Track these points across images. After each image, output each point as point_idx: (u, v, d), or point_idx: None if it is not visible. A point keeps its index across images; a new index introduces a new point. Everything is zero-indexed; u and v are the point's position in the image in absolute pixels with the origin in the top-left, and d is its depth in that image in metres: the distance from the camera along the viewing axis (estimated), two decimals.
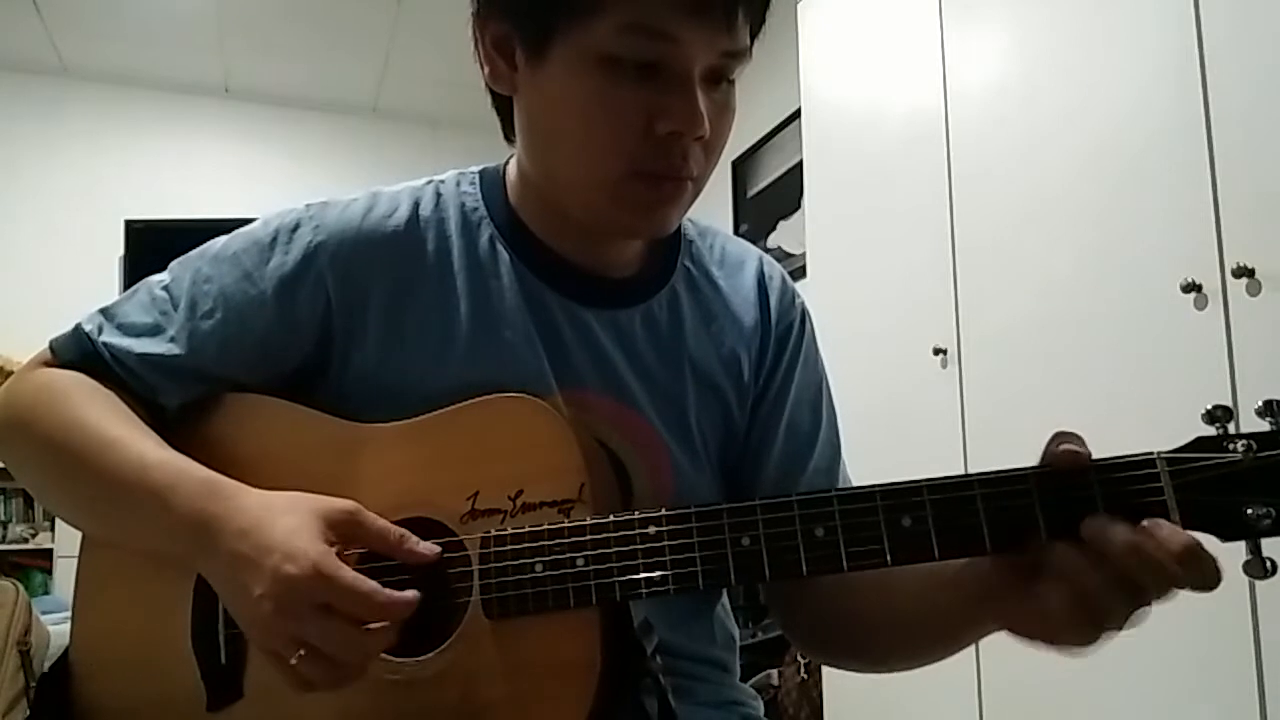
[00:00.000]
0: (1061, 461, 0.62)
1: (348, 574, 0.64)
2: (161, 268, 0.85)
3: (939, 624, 0.74)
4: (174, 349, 0.80)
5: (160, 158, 4.92)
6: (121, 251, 1.97)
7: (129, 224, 1.94)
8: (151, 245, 1.86)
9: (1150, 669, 1.75)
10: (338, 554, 0.65)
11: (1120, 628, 0.60)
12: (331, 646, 0.63)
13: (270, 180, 4.87)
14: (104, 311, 0.83)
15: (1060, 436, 0.63)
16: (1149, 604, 0.60)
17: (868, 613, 0.80)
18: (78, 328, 0.82)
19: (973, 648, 0.75)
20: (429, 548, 0.69)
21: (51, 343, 0.83)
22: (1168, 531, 0.58)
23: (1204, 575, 0.58)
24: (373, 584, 0.64)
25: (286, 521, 0.67)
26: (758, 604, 2.78)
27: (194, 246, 0.85)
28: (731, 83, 0.76)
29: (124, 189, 4.57)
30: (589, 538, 0.68)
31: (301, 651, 0.63)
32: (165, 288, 0.82)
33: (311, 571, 0.63)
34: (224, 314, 0.80)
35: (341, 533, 0.67)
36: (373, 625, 0.64)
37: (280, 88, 5.15)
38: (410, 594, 0.65)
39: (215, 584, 0.70)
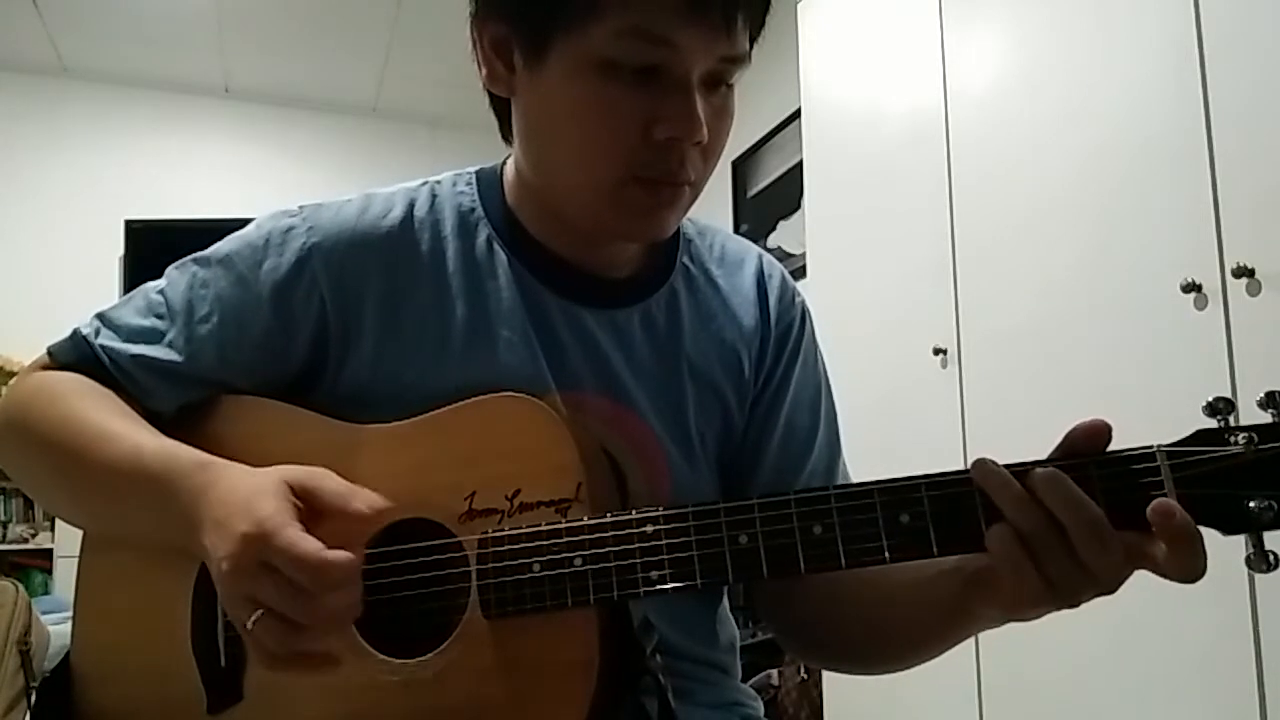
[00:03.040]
0: (1082, 433, 0.62)
1: (289, 533, 0.62)
2: (161, 268, 0.85)
3: (928, 618, 0.73)
4: (171, 353, 0.80)
5: (160, 158, 4.92)
6: (121, 251, 1.96)
7: (129, 224, 1.93)
8: (151, 245, 1.86)
9: (1150, 668, 1.75)
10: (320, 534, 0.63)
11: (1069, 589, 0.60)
12: (281, 605, 0.62)
13: (270, 180, 4.87)
14: (101, 316, 0.83)
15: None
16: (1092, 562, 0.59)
17: (856, 614, 0.80)
18: (75, 332, 0.82)
19: (973, 648, 0.74)
20: (370, 500, 0.67)
21: (50, 349, 0.83)
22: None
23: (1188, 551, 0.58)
24: (313, 543, 0.62)
25: (252, 483, 0.66)
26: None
27: (194, 246, 0.85)
28: (730, 87, 0.75)
29: (124, 189, 4.58)
30: (586, 537, 0.67)
31: (259, 613, 0.62)
32: (161, 292, 0.83)
33: (255, 529, 0.62)
34: (221, 318, 0.80)
35: (302, 493, 0.66)
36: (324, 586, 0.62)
37: (280, 88, 5.15)
38: (347, 555, 0.62)
39: (205, 559, 0.68)
